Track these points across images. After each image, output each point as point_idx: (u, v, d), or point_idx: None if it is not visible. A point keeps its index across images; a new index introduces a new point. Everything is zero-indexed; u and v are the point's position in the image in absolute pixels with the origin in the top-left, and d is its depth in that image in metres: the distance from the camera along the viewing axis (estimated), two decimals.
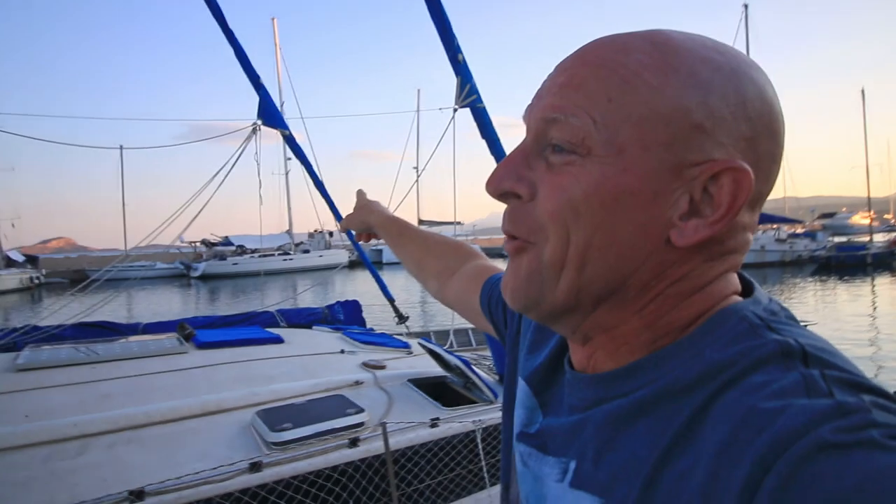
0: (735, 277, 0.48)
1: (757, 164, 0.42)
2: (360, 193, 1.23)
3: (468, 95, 4.13)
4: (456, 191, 5.76)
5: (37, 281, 31.26)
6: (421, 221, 46.70)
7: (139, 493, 2.04)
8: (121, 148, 26.93)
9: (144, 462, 2.33)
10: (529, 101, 0.48)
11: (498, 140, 4.03)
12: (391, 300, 5.27)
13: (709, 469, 0.35)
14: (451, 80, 4.25)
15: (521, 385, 0.59)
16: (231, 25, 4.26)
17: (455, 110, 4.37)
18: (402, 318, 5.13)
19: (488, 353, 4.13)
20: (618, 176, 0.42)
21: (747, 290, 0.48)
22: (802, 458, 0.31)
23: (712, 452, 0.35)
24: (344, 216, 1.22)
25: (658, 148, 0.42)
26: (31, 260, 34.72)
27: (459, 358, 3.06)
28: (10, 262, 32.18)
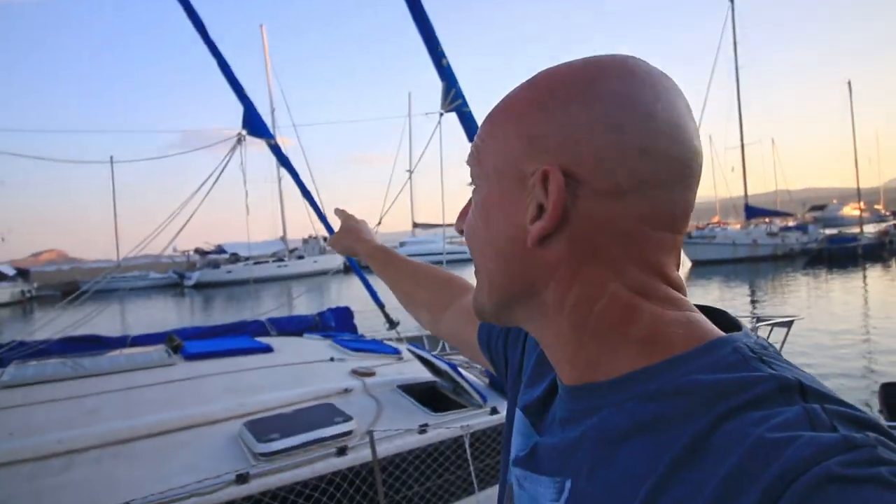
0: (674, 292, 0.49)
1: (588, 160, 0.45)
2: (343, 214, 1.21)
3: (454, 100, 4.13)
4: (444, 193, 5.75)
5: (28, 294, 31.11)
6: (415, 224, 46.69)
7: None
8: (111, 160, 26.79)
9: (131, 476, 2.31)
10: None
11: None
12: (381, 306, 5.25)
13: (714, 497, 0.35)
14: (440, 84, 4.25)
15: (518, 415, 0.61)
16: (216, 35, 4.25)
17: (441, 115, 4.37)
18: (392, 324, 5.12)
19: None
20: (488, 197, 0.52)
21: (734, 326, 0.49)
22: (812, 490, 0.32)
23: (718, 481, 0.36)
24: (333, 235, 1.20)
25: (506, 166, 0.50)
26: (23, 273, 34.48)
27: (448, 363, 3.06)
28: (1, 277, 31.94)
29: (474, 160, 0.53)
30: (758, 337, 0.47)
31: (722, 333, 0.46)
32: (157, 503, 2.07)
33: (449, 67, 4.09)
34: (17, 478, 2.31)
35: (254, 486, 2.11)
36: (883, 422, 0.38)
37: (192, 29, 4.19)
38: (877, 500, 0.31)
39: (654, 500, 0.39)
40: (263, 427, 2.41)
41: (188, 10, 3.98)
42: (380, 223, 5.06)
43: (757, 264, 26.47)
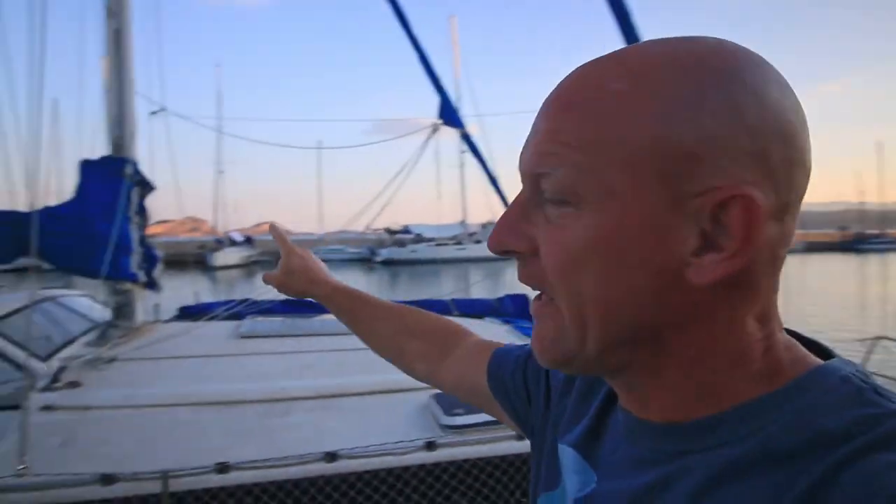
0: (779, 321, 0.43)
1: (772, 176, 0.38)
2: (281, 241, 0.96)
3: None
4: None
5: (253, 259, 36.35)
6: None
7: (333, 456, 2.34)
8: (319, 146, 30.06)
9: (337, 428, 2.66)
10: (525, 142, 0.45)
11: None
12: None
13: None
14: None
15: (569, 452, 0.54)
16: (414, 29, 4.55)
17: None
18: None
19: None
20: (614, 221, 0.39)
21: (813, 347, 0.43)
22: None
23: None
24: (279, 270, 0.95)
25: (650, 184, 0.38)
26: (248, 240, 40.41)
27: None
28: (232, 242, 37.90)
29: (577, 169, 0.40)
30: (856, 364, 0.41)
31: (816, 358, 0.42)
32: (358, 456, 2.36)
33: None
34: (251, 414, 2.79)
35: (440, 455, 2.30)
36: None
37: (395, 24, 4.52)
38: None
39: None
40: (450, 401, 2.60)
41: (394, 5, 4.30)
42: None
43: None
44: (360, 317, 0.90)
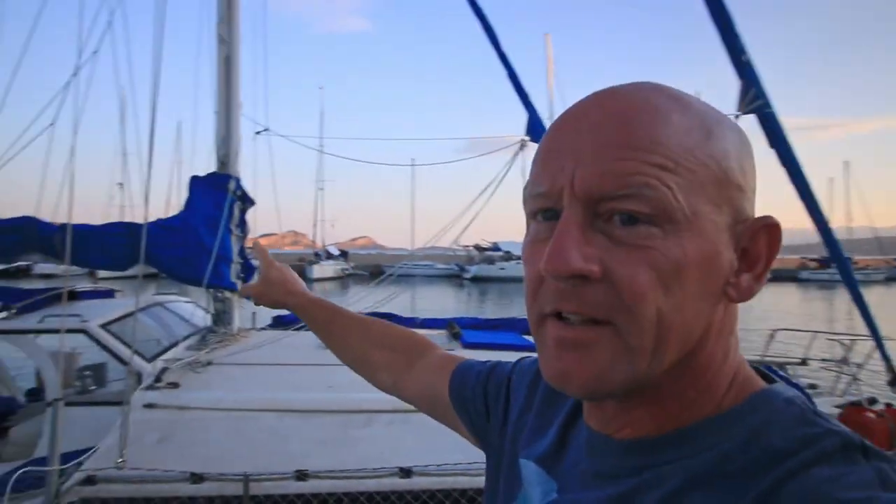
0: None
1: (753, 206, 0.45)
2: (262, 255, 1.02)
3: (753, 100, 3.69)
4: None
5: (347, 272, 37.79)
6: None
7: (407, 472, 2.33)
8: (412, 164, 30.90)
9: (414, 443, 2.65)
10: (558, 163, 0.43)
11: (790, 148, 3.52)
12: None
13: None
14: (735, 83, 3.84)
15: (531, 466, 0.56)
16: (504, 48, 4.55)
17: (736, 117, 3.94)
18: None
19: None
20: (696, 242, 0.41)
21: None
22: None
23: None
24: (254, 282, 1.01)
25: (721, 211, 0.42)
26: (344, 254, 42.11)
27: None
28: (329, 255, 39.63)
29: (670, 190, 0.40)
30: (795, 389, 0.45)
31: (759, 378, 0.47)
32: (432, 473, 2.34)
33: (750, 63, 3.65)
34: (331, 423, 2.85)
35: None
36: None
37: (485, 42, 4.55)
38: None
39: None
40: None
41: (484, 24, 4.33)
42: None
43: None
44: (332, 329, 0.92)
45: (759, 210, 0.46)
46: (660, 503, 0.42)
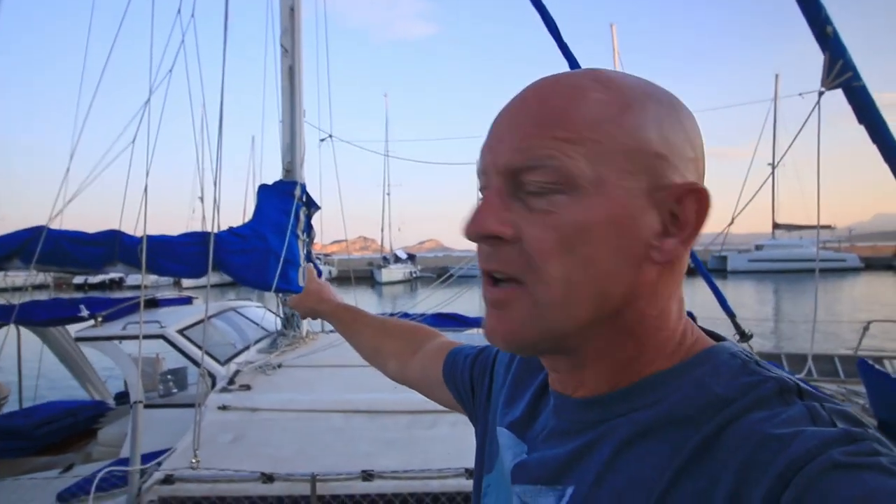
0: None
1: (700, 180, 0.48)
2: (310, 272, 1.19)
3: (841, 73, 3.39)
4: (821, 188, 4.82)
5: (414, 275, 38.28)
6: (777, 225, 40.85)
7: (472, 472, 2.29)
8: (476, 162, 30.81)
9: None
10: (488, 145, 0.50)
11: (884, 123, 3.22)
12: (731, 315, 4.70)
13: (729, 488, 0.38)
14: (817, 59, 3.56)
15: (504, 433, 0.60)
16: (567, 36, 4.43)
17: (821, 93, 3.65)
18: (744, 336, 4.53)
19: (860, 388, 3.34)
20: (603, 207, 0.44)
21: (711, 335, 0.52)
22: (817, 475, 0.35)
23: (732, 474, 0.38)
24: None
25: (631, 177, 0.45)
26: (411, 257, 42.68)
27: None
28: (397, 259, 40.26)
29: (569, 161, 0.45)
30: (743, 346, 0.49)
31: (712, 340, 0.50)
32: None
33: (836, 35, 3.37)
34: (398, 424, 2.85)
35: None
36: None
37: (546, 36, 4.44)
38: (878, 484, 0.33)
39: (668, 497, 0.41)
40: None
41: (544, 17, 4.23)
42: (731, 223, 4.53)
43: None
44: (355, 328, 1.03)
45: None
46: (612, 453, 0.46)
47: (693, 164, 0.47)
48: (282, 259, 3.87)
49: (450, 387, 0.79)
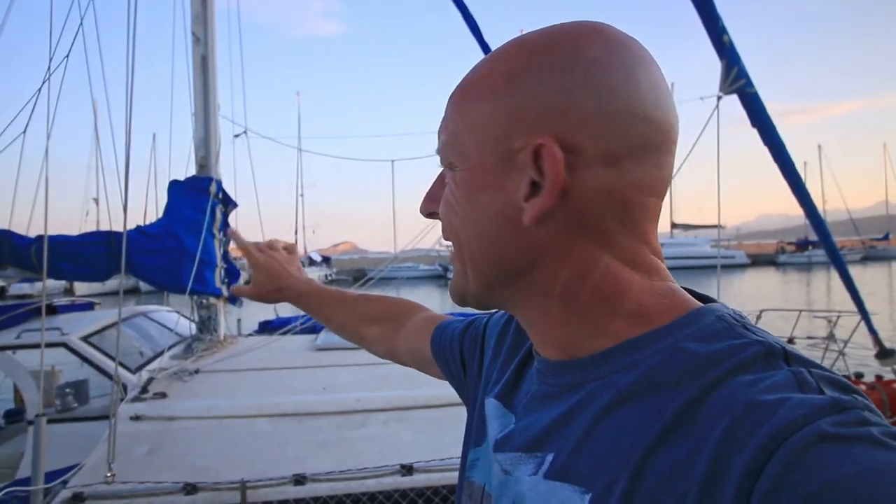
0: (662, 267, 0.49)
1: (585, 127, 0.43)
2: (246, 252, 1.02)
3: (736, 80, 3.69)
4: (720, 189, 5.20)
5: (329, 278, 37.53)
6: (674, 224, 43.68)
7: (409, 468, 2.27)
8: (392, 161, 30.63)
9: (413, 440, 2.59)
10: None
11: (773, 128, 3.52)
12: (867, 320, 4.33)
13: (710, 458, 0.36)
14: (713, 67, 3.84)
15: (492, 403, 0.60)
16: (487, 40, 4.50)
17: (719, 98, 3.94)
18: (884, 355, 4.13)
19: None
20: (470, 177, 0.48)
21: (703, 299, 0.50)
22: (804, 446, 0.33)
23: (713, 443, 0.36)
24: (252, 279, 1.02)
25: (488, 144, 0.46)
26: (326, 260, 41.78)
27: None
28: (311, 262, 39.30)
29: (449, 141, 0.50)
30: (733, 308, 0.48)
31: (700, 303, 0.47)
32: (434, 469, 2.28)
33: (731, 44, 3.65)
34: (329, 426, 2.77)
35: None
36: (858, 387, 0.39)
37: (466, 35, 4.50)
38: (866, 457, 0.32)
39: (646, 465, 0.39)
40: None
41: (466, 17, 4.28)
42: None
43: None
44: (326, 314, 0.98)
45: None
46: (592, 420, 0.45)
47: (563, 112, 0.43)
48: (197, 260, 3.67)
49: (439, 362, 0.77)
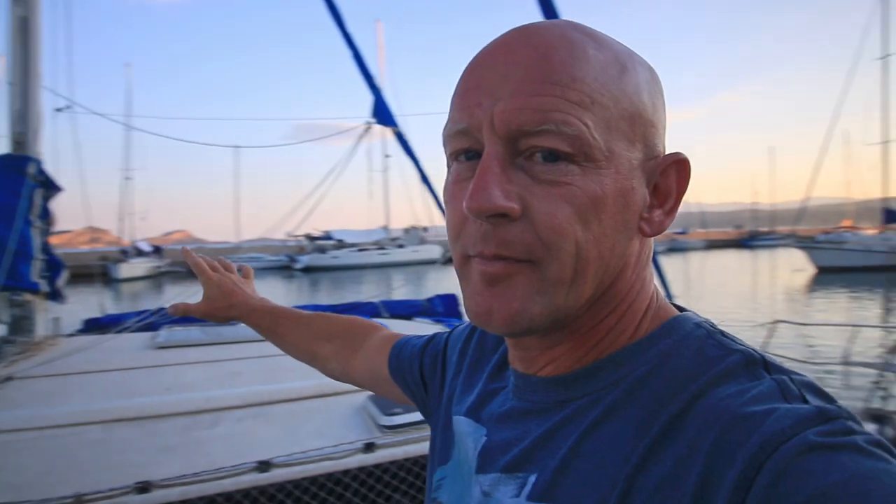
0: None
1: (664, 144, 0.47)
2: (197, 268, 0.95)
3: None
4: None
5: (161, 269, 34.34)
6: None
7: (266, 464, 2.22)
8: (236, 147, 28.62)
9: (270, 436, 2.53)
10: (476, 99, 0.43)
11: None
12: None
13: (700, 472, 0.36)
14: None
15: (462, 421, 0.57)
16: (332, 29, 4.45)
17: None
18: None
19: None
20: (614, 179, 0.42)
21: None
22: (793, 457, 0.33)
23: (702, 455, 0.37)
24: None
25: (634, 147, 0.44)
26: (157, 250, 38.13)
27: None
28: (139, 252, 35.61)
29: (597, 126, 0.41)
30: (702, 316, 0.49)
31: (672, 306, 0.50)
32: (294, 463, 2.26)
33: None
34: (174, 428, 2.61)
35: (380, 456, 2.24)
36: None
37: (327, 22, 4.41)
38: (854, 465, 0.32)
39: (634, 482, 0.39)
40: (386, 402, 2.54)
41: (330, 5, 4.20)
42: None
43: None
44: (278, 332, 0.92)
45: None
46: (580, 436, 0.44)
47: (664, 132, 0.47)
48: (11, 250, 3.20)
49: (398, 381, 0.75)
